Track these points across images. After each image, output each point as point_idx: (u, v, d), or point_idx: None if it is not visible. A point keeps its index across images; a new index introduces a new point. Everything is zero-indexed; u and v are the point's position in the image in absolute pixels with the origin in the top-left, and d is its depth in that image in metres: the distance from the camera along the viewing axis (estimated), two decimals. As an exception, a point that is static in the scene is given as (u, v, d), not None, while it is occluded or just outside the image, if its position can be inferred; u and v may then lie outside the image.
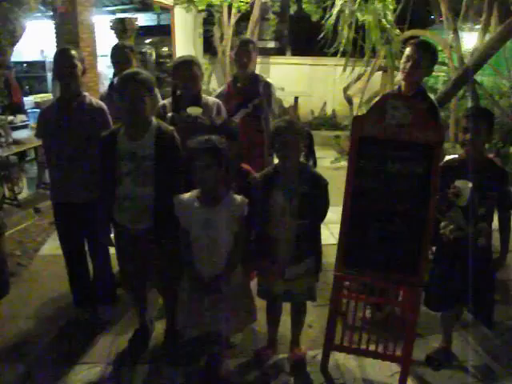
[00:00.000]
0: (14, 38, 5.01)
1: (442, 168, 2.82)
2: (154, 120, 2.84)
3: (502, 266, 2.97)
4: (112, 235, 3.01)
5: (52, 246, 4.39)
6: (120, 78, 2.85)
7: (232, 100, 3.76)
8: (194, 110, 3.14)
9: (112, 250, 3.18)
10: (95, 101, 3.23)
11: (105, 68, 7.06)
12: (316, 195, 2.68)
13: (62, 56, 3.11)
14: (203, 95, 3.50)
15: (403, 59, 3.18)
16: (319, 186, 2.71)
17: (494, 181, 2.79)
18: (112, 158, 2.77)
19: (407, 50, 3.17)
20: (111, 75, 4.16)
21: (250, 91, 3.85)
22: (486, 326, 3.05)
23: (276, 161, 2.89)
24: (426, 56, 3.13)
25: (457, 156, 2.97)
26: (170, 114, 3.25)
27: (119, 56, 3.76)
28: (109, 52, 3.93)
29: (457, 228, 2.81)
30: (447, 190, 2.74)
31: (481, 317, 2.98)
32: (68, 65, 3.07)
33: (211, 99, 3.51)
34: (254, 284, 2.95)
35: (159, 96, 3.84)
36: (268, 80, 4.01)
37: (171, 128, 2.88)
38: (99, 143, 2.86)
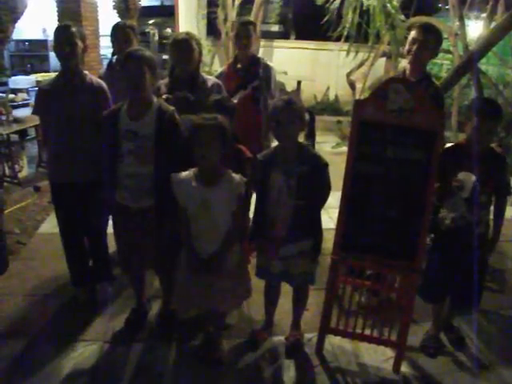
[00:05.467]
0: (15, 14, 4.97)
1: (442, 154, 2.83)
2: (155, 100, 2.84)
3: (493, 251, 3.00)
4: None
5: (51, 225, 4.39)
6: (123, 54, 2.84)
7: (231, 81, 3.74)
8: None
9: (109, 230, 3.19)
10: (95, 80, 3.19)
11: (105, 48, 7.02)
12: (314, 176, 2.67)
13: (61, 33, 3.04)
14: (203, 74, 3.48)
15: (409, 42, 3.16)
16: (317, 167, 2.68)
17: (495, 168, 2.80)
18: (113, 137, 2.77)
19: (413, 33, 3.15)
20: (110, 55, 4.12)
21: (249, 73, 3.83)
22: (467, 312, 3.06)
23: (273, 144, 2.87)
24: (432, 38, 3.12)
25: (454, 143, 2.97)
26: (164, 96, 3.22)
27: (119, 35, 3.70)
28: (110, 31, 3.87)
29: (459, 217, 2.82)
30: (450, 179, 2.76)
31: (466, 303, 2.98)
32: (67, 43, 3.00)
33: (211, 79, 3.49)
34: (251, 266, 2.97)
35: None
36: (268, 62, 3.98)
37: (172, 108, 2.87)
38: (101, 122, 2.86)
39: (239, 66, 3.88)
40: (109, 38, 3.83)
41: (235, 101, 3.53)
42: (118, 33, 3.72)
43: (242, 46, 3.81)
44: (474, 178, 2.69)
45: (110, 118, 2.82)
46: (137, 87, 2.72)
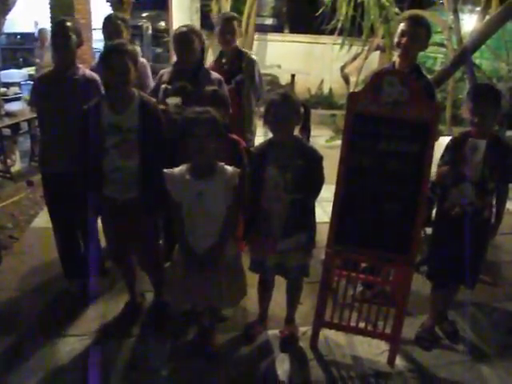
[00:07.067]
0: (5, 6, 4.92)
1: (452, 142, 2.87)
2: (136, 92, 2.83)
3: (495, 235, 3.04)
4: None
5: (44, 219, 4.36)
6: (104, 48, 2.85)
7: None
8: (172, 100, 3.11)
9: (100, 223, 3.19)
10: (89, 73, 3.24)
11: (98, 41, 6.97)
12: (310, 169, 2.66)
13: (57, 27, 3.13)
14: (207, 68, 3.49)
15: (398, 34, 3.14)
16: (313, 160, 2.68)
17: (500, 155, 2.81)
18: (96, 132, 2.75)
19: (401, 25, 3.14)
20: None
21: (233, 67, 3.84)
22: (468, 286, 3.05)
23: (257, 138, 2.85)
24: (421, 30, 3.10)
25: (462, 132, 2.97)
26: (163, 86, 3.24)
27: (110, 28, 3.71)
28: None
29: (468, 203, 2.82)
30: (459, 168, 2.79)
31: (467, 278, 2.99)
32: (62, 36, 3.07)
33: (214, 74, 3.48)
34: (244, 258, 2.95)
35: (149, 70, 3.83)
36: (252, 56, 3.99)
37: (154, 99, 2.90)
38: (83, 116, 2.83)
39: (224, 61, 3.88)
40: (101, 31, 3.83)
41: None
42: (108, 25, 3.74)
43: (226, 41, 3.83)
44: (484, 142, 2.68)
45: (91, 113, 2.79)
46: (121, 81, 2.71)
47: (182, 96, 3.10)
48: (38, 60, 8.58)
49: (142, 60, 3.81)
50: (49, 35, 8.42)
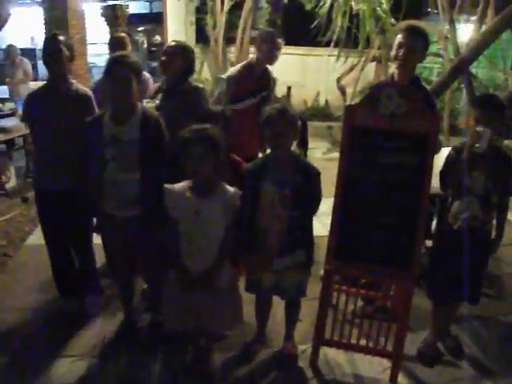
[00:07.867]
0: (-2, 23, 4.91)
1: (454, 150, 2.81)
2: (139, 105, 2.81)
3: (497, 248, 2.97)
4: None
5: (39, 237, 4.27)
6: (107, 60, 2.85)
7: (243, 86, 3.75)
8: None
9: (95, 241, 3.13)
10: (81, 88, 3.20)
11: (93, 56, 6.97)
12: (307, 185, 2.61)
13: (48, 41, 3.10)
14: (190, 84, 3.46)
15: (395, 46, 3.09)
16: (310, 176, 2.63)
17: (502, 168, 2.77)
18: (97, 144, 2.72)
19: (399, 37, 3.08)
20: (102, 63, 4.15)
21: (262, 83, 3.86)
22: (472, 303, 2.98)
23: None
24: (419, 41, 3.05)
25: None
26: (145, 101, 3.31)
27: (117, 44, 3.86)
28: (98, 40, 3.97)
29: (472, 217, 2.76)
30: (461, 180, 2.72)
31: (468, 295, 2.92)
32: (53, 50, 3.03)
33: (198, 90, 3.46)
34: (241, 281, 2.89)
35: (151, 81, 3.84)
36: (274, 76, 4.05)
37: (156, 113, 2.87)
38: (84, 129, 2.82)
39: (256, 73, 3.87)
40: (95, 46, 3.95)
41: (240, 107, 3.60)
42: (114, 41, 3.92)
43: (273, 56, 3.86)
44: (489, 131, 2.62)
45: (93, 124, 2.78)
46: (123, 93, 2.69)
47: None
48: (8, 79, 8.46)
49: (144, 73, 3.82)
50: (17, 52, 8.41)
